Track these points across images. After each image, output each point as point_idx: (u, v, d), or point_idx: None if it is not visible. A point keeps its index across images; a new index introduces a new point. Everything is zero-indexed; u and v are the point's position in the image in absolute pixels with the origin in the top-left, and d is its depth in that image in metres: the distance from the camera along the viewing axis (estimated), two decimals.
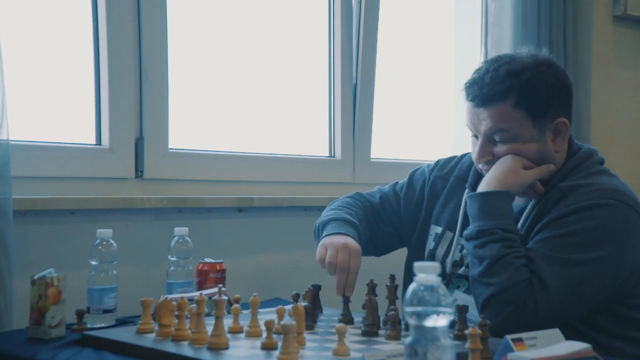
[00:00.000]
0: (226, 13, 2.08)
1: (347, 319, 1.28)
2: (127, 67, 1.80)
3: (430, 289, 0.72)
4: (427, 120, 2.56)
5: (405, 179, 1.57)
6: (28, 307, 1.27)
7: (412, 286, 0.73)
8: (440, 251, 1.44)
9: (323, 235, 1.38)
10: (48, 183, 1.67)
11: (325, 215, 1.46)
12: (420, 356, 0.70)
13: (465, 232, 1.30)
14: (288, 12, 2.20)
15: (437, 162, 1.54)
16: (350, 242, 1.32)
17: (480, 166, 1.36)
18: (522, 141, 1.30)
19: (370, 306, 1.21)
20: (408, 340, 0.72)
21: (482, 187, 1.31)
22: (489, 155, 1.33)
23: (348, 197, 1.55)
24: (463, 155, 1.52)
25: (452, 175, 1.48)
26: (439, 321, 0.71)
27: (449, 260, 1.41)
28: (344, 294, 1.28)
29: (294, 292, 1.21)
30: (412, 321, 0.72)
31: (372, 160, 2.31)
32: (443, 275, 1.41)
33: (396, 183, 1.58)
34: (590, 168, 1.33)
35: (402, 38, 2.47)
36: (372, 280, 1.26)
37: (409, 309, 0.72)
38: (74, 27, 1.81)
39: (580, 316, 1.26)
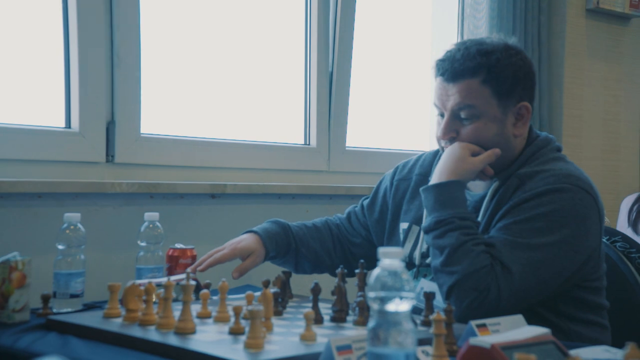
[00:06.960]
0: None
1: (316, 317, 1.20)
2: (98, 49, 1.77)
3: (394, 274, 0.72)
4: (403, 110, 2.56)
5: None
6: None
7: (375, 271, 0.74)
8: (408, 245, 1.46)
9: None
10: (15, 165, 1.64)
11: None
12: (382, 340, 0.71)
13: (423, 225, 1.32)
14: None
15: (397, 167, 1.58)
16: (245, 241, 1.43)
17: (443, 144, 1.39)
18: (486, 120, 1.33)
19: (339, 292, 1.21)
20: (370, 324, 0.73)
21: (434, 179, 1.34)
22: (453, 133, 1.36)
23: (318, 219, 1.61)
24: (421, 155, 1.56)
25: (414, 174, 1.52)
26: (402, 306, 0.71)
27: (417, 253, 1.42)
28: (197, 269, 1.39)
29: (265, 278, 1.21)
30: (374, 306, 0.72)
31: (347, 148, 2.31)
32: (412, 267, 1.43)
33: (365, 197, 1.62)
34: (547, 155, 1.37)
35: (379, 27, 2.47)
36: (342, 268, 1.27)
37: (372, 294, 0.73)
38: (43, 6, 1.77)
39: (541, 300, 1.29)
